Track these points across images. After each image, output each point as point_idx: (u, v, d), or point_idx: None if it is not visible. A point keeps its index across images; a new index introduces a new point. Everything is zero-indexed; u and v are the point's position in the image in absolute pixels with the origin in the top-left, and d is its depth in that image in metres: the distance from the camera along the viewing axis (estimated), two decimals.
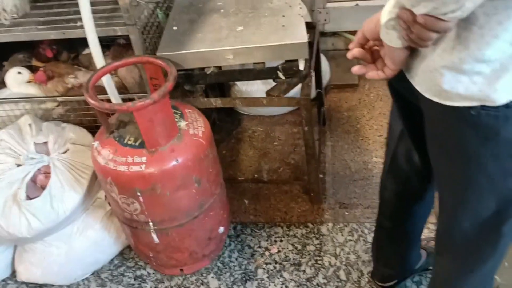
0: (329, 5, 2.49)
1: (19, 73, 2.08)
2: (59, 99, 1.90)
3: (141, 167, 1.36)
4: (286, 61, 1.60)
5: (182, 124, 1.46)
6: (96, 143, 1.45)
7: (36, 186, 1.66)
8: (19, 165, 1.65)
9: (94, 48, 1.47)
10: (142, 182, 1.37)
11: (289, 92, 1.64)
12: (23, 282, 1.74)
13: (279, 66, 1.60)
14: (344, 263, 1.66)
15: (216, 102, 1.67)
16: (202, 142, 1.45)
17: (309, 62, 1.66)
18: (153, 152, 1.37)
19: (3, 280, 1.76)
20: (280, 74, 1.61)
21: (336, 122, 2.29)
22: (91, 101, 1.30)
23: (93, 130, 1.86)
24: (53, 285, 1.73)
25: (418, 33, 0.68)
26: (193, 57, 1.53)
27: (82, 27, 1.52)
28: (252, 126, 2.35)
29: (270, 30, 1.58)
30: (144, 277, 1.71)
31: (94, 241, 1.69)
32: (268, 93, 1.63)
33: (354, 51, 0.90)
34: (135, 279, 1.71)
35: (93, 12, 1.49)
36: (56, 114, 1.98)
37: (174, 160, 1.38)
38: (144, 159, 1.36)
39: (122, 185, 1.40)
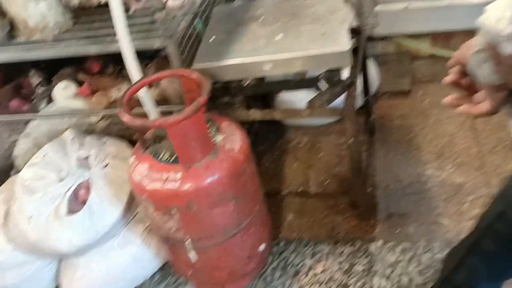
0: (378, 8, 2.36)
1: (66, 87, 2.13)
2: (101, 113, 1.90)
3: (175, 184, 1.31)
4: (329, 70, 1.51)
5: (218, 139, 1.40)
6: (132, 159, 1.43)
7: (78, 201, 1.66)
8: (61, 180, 1.66)
9: (129, 62, 1.45)
10: (177, 199, 1.33)
11: (332, 102, 1.55)
12: None
13: (321, 76, 1.51)
14: (395, 286, 1.53)
15: (254, 114, 1.60)
16: (238, 157, 1.38)
17: (354, 70, 1.55)
18: (188, 169, 1.32)
19: None
20: (322, 84, 1.52)
21: (386, 131, 2.16)
22: (123, 118, 1.27)
23: (135, 143, 1.84)
24: None
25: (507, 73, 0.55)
26: (230, 68, 1.48)
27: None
28: (297, 136, 2.26)
29: (310, 38, 1.49)
30: None
31: (134, 256, 1.67)
32: (309, 103, 1.54)
33: (449, 79, 0.76)
34: None
35: (132, 25, 1.47)
36: (99, 127, 2.00)
37: (209, 177, 1.32)
38: (179, 175, 1.32)
39: (158, 202, 1.36)
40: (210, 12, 1.84)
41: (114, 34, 1.65)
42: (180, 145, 1.29)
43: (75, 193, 1.66)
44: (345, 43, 1.43)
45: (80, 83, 2.18)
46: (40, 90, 2.30)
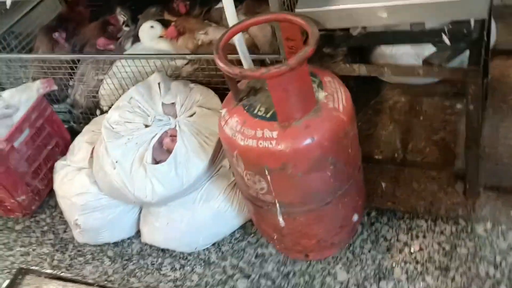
0: None
1: (152, 27, 2.04)
2: (188, 57, 1.79)
3: (271, 143, 1.18)
4: (453, 22, 1.28)
5: (321, 95, 1.24)
6: (223, 111, 1.31)
7: (162, 149, 1.60)
8: (146, 126, 1.60)
9: (227, 3, 1.29)
10: (271, 159, 1.20)
11: (453, 60, 1.33)
12: (146, 244, 1.72)
13: (445, 28, 1.28)
14: (506, 276, 1.35)
15: (360, 69, 1.41)
16: (342, 118, 1.22)
17: (485, 23, 1.31)
18: (285, 127, 1.18)
19: (128, 239, 1.77)
20: (445, 38, 1.29)
21: (500, 96, 1.88)
22: (221, 64, 1.14)
23: (221, 91, 1.73)
24: (174, 251, 1.68)
25: None
26: (339, 15, 1.28)
27: None
28: (394, 95, 2.04)
29: None
30: (266, 257, 1.58)
31: (216, 211, 1.60)
32: (426, 60, 1.33)
33: None
34: (256, 257, 1.59)
35: None
36: (185, 72, 1.89)
37: (309, 138, 1.17)
38: (275, 134, 1.18)
39: (249, 160, 1.24)
40: None
41: None
42: (280, 100, 1.14)
43: (160, 140, 1.59)
44: None
45: (166, 24, 2.08)
46: (126, 28, 2.23)
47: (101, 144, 1.60)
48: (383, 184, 1.70)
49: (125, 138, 1.55)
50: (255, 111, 1.23)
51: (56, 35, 2.10)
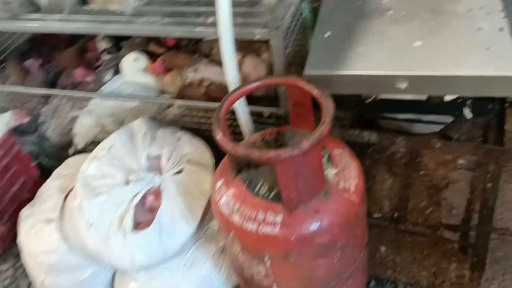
0: None
1: (136, 59, 1.86)
2: (176, 102, 1.62)
3: (274, 229, 1.04)
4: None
5: (331, 173, 1.10)
6: (219, 183, 1.15)
7: (144, 207, 1.43)
8: (128, 182, 1.43)
9: (228, 62, 1.14)
10: (273, 247, 1.06)
11: (471, 135, 1.22)
12: None
13: (467, 102, 1.16)
14: None
15: (370, 137, 1.29)
16: (354, 200, 1.09)
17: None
18: (291, 211, 1.04)
19: None
20: (467, 112, 1.18)
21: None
22: (222, 143, 0.99)
23: (212, 141, 1.57)
24: None
25: None
26: (353, 80, 1.15)
27: (214, 25, 1.21)
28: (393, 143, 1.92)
29: (465, 49, 1.13)
30: None
31: (203, 278, 1.44)
32: (444, 133, 1.21)
33: None
34: None
35: None
36: (171, 114, 1.73)
37: (317, 224, 1.04)
38: (279, 218, 1.04)
39: (248, 245, 1.10)
40: None
41: (207, 13, 1.35)
42: (287, 184, 1.00)
43: (143, 199, 1.42)
44: None
45: (152, 55, 1.91)
46: (106, 57, 2.04)
47: (75, 199, 1.43)
48: (383, 249, 1.58)
49: (102, 197, 1.38)
50: (257, 189, 1.09)
51: (28, 62, 1.90)
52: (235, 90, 1.10)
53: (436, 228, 1.61)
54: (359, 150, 1.72)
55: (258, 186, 1.09)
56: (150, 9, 1.42)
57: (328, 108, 1.00)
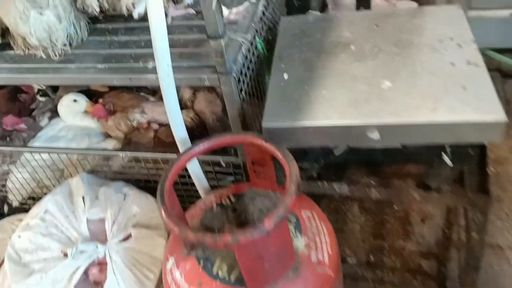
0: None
1: (75, 101, 1.66)
2: (119, 154, 1.43)
3: None
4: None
5: (300, 243, 0.95)
6: (170, 262, 0.98)
7: (88, 281, 1.24)
8: (66, 254, 1.23)
9: (173, 117, 0.97)
10: None
11: (451, 182, 1.09)
12: None
13: (447, 148, 1.04)
14: None
15: (341, 188, 1.14)
16: (329, 274, 0.93)
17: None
18: None
19: None
20: (446, 159, 1.05)
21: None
22: (169, 224, 0.81)
23: None
24: None
25: None
26: (318, 132, 1.00)
27: (155, 71, 1.03)
28: (363, 178, 1.80)
29: (439, 89, 1.01)
30: None
31: None
32: (424, 182, 1.08)
33: None
34: None
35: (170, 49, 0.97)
36: (116, 165, 1.54)
37: None
38: None
39: None
40: (274, 28, 1.36)
41: (146, 57, 1.18)
42: (250, 268, 0.84)
43: (86, 271, 1.22)
44: (499, 107, 0.95)
45: (92, 95, 1.71)
46: (42, 99, 1.83)
47: (5, 279, 1.21)
48: None
49: (37, 276, 1.17)
50: (214, 270, 0.92)
51: None
52: (181, 155, 0.93)
53: (414, 269, 1.48)
54: (328, 185, 1.58)
55: (216, 266, 0.92)
56: (82, 53, 1.24)
57: (293, 174, 0.85)
